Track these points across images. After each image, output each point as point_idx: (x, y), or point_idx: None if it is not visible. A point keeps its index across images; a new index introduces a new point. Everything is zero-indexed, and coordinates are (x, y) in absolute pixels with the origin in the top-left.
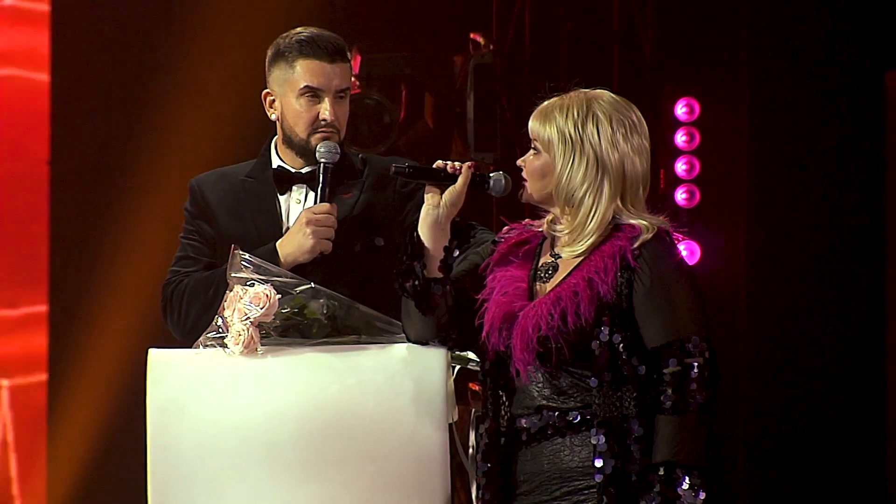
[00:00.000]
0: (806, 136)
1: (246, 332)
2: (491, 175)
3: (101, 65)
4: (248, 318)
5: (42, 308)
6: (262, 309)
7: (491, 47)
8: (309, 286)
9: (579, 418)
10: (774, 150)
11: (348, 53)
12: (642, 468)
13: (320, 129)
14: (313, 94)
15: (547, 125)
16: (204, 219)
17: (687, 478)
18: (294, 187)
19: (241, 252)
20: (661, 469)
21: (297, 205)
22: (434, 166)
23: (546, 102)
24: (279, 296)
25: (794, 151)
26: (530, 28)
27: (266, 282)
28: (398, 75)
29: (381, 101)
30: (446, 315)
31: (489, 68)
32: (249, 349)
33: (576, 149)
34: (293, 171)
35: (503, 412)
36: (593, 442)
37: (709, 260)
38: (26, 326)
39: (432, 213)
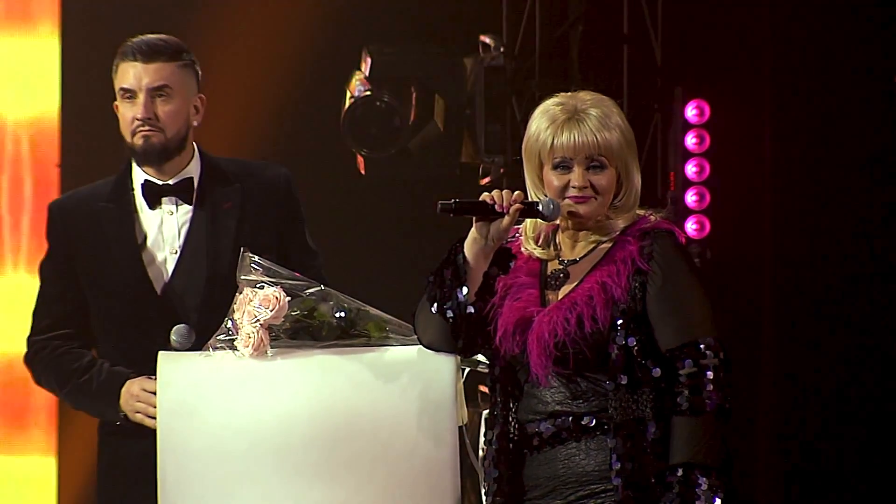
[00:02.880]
0: (817, 138)
1: (256, 334)
2: (539, 204)
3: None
4: (258, 320)
5: None
6: (271, 311)
7: (501, 49)
8: (319, 288)
9: (595, 422)
10: (786, 153)
11: (182, 55)
12: (660, 470)
13: (138, 130)
14: (129, 95)
15: (614, 133)
16: (65, 253)
17: (705, 479)
18: (164, 199)
19: (250, 254)
20: (680, 470)
21: (169, 216)
22: (480, 200)
23: (575, 109)
24: (289, 298)
25: (805, 154)
26: (540, 30)
27: (276, 284)
28: (408, 77)
29: (391, 104)
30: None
31: (499, 70)
32: (259, 351)
33: (634, 149)
34: (160, 183)
35: (511, 418)
36: (610, 445)
37: (718, 263)
38: None
39: (479, 242)
